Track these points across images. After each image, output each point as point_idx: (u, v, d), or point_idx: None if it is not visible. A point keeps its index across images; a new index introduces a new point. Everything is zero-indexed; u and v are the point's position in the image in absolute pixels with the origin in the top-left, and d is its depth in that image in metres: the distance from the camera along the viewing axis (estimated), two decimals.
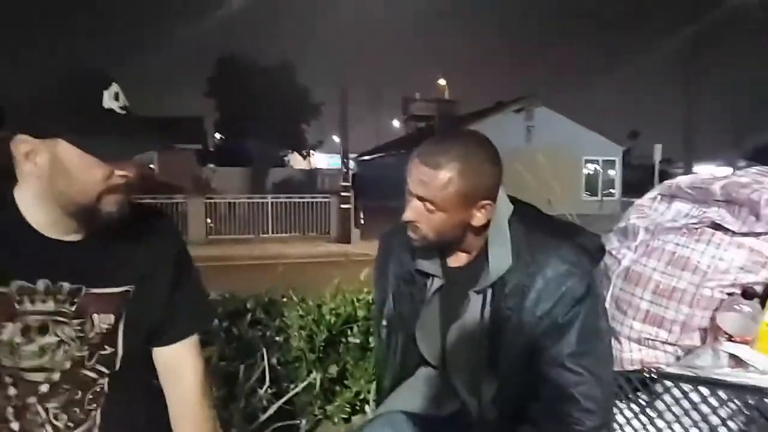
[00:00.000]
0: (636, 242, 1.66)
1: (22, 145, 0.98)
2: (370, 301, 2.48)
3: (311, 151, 33.21)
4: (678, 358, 1.58)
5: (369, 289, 2.56)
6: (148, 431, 1.20)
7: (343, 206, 14.15)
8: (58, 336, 1.04)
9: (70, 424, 1.05)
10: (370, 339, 2.33)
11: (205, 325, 1.44)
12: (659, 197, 1.73)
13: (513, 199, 1.34)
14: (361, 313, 2.40)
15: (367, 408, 2.29)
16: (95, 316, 1.08)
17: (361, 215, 15.10)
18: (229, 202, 15.25)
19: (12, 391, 1.01)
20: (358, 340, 2.27)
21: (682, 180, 1.67)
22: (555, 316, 1.22)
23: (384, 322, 1.50)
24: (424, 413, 1.43)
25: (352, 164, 17.08)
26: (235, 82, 26.38)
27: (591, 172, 24.02)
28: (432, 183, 1.20)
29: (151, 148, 1.09)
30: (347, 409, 2.28)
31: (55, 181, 0.99)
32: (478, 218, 1.25)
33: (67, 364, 1.05)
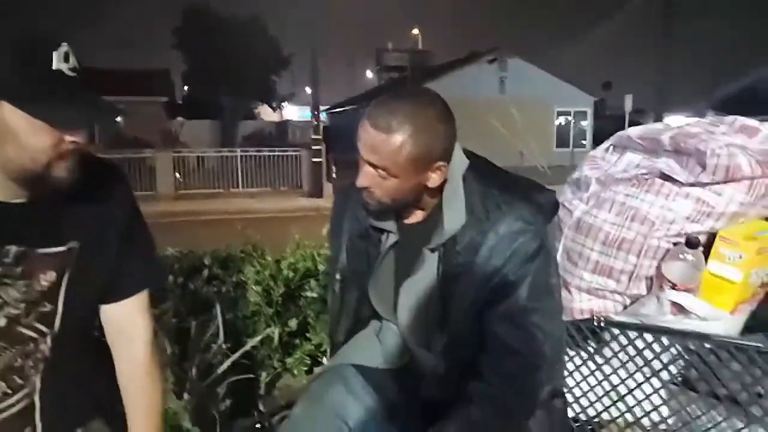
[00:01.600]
0: (588, 193, 1.66)
1: None
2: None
3: (282, 103, 32.51)
4: (625, 307, 1.61)
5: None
6: (92, 395, 1.18)
7: (314, 160, 14.01)
8: (2, 298, 1.01)
9: (9, 391, 1.03)
10: None
11: (156, 282, 1.40)
12: (612, 148, 1.73)
13: (469, 154, 1.31)
14: (321, 267, 2.40)
15: (326, 360, 2.31)
16: (40, 275, 1.04)
17: (334, 168, 14.99)
18: (198, 156, 15.00)
19: None
20: (316, 294, 2.27)
21: (633, 131, 1.66)
22: (506, 272, 1.21)
23: (338, 276, 1.48)
24: (374, 366, 1.44)
25: (323, 116, 16.78)
26: (203, 33, 25.41)
27: (563, 124, 24.11)
28: (383, 149, 1.15)
29: (103, 117, 1.05)
30: (308, 362, 2.30)
31: (2, 145, 0.94)
32: (434, 180, 1.21)
33: (2, 322, 1.02)
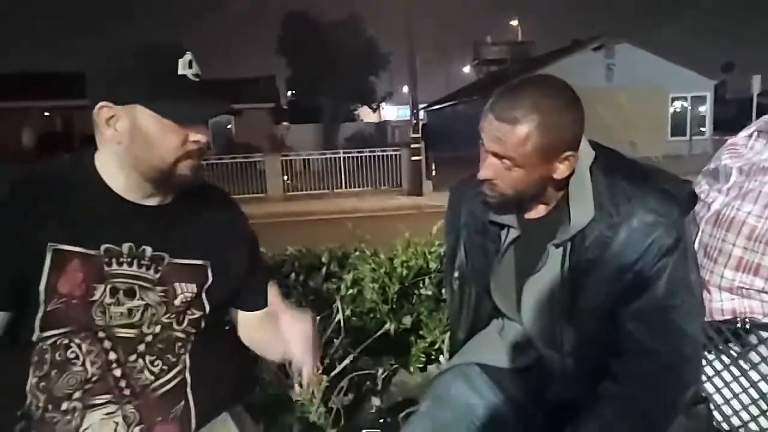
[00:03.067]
0: (728, 184, 1.52)
1: (104, 110, 1.04)
2: (442, 254, 2.47)
3: (381, 104, 33.02)
4: None
5: (441, 242, 2.55)
6: (233, 383, 1.29)
7: (413, 158, 14.08)
8: (144, 300, 1.11)
9: (165, 368, 1.14)
10: (443, 291, 2.33)
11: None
12: (756, 134, 1.57)
13: (594, 145, 1.25)
14: (432, 265, 2.40)
15: (441, 358, 2.31)
16: (177, 284, 1.14)
17: (433, 166, 14.98)
18: (304, 159, 15.59)
19: (108, 344, 1.09)
20: (430, 292, 2.27)
21: None
22: (640, 268, 1.14)
23: (456, 274, 1.48)
24: (499, 365, 1.42)
25: (421, 114, 16.82)
26: (304, 38, 26.41)
27: (678, 110, 22.41)
28: (509, 139, 1.12)
29: (223, 111, 1.15)
30: (422, 359, 2.32)
31: (134, 145, 1.05)
32: (561, 171, 1.17)
33: (157, 328, 1.13)
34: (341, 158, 15.09)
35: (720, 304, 1.53)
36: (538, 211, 1.29)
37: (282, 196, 14.23)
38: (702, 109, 22.70)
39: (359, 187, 14.87)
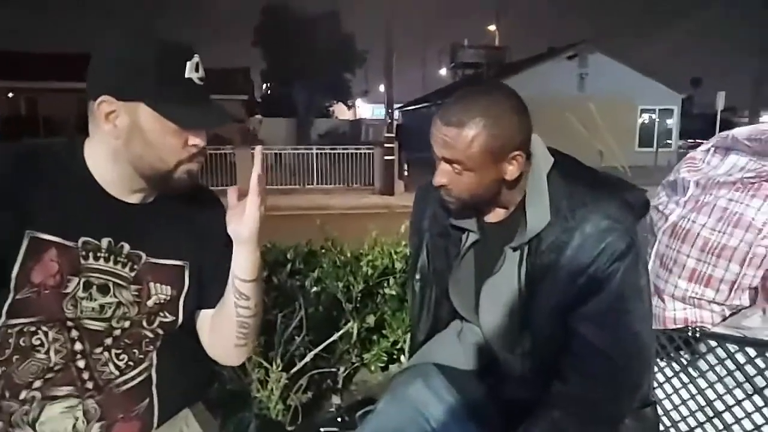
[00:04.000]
0: (685, 197, 1.57)
1: (105, 104, 1.02)
2: (408, 254, 2.48)
3: (356, 101, 32.97)
4: (724, 318, 1.52)
5: (407, 242, 2.56)
6: (196, 380, 1.26)
7: (387, 157, 14.09)
8: (117, 298, 1.08)
9: (131, 363, 1.11)
10: (408, 291, 2.35)
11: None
12: (713, 149, 1.63)
13: (553, 152, 1.28)
14: (398, 265, 2.41)
15: (403, 357, 2.32)
16: (152, 284, 1.12)
17: (405, 167, 15.03)
18: (276, 153, 15.43)
19: (75, 334, 1.06)
20: (394, 292, 2.28)
21: (739, 131, 1.55)
22: (593, 272, 1.17)
23: (417, 276, 1.49)
24: (456, 366, 1.44)
25: (396, 114, 16.87)
26: (281, 32, 26.17)
27: (646, 122, 22.96)
28: (456, 143, 1.15)
29: (227, 122, 1.13)
30: (384, 358, 2.33)
31: (132, 143, 1.03)
32: (511, 171, 1.19)
33: (127, 324, 1.10)
34: (314, 154, 15.00)
35: (673, 313, 1.58)
36: (497, 215, 1.31)
37: None
38: (669, 121, 23.29)
39: (331, 184, 14.81)
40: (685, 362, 1.59)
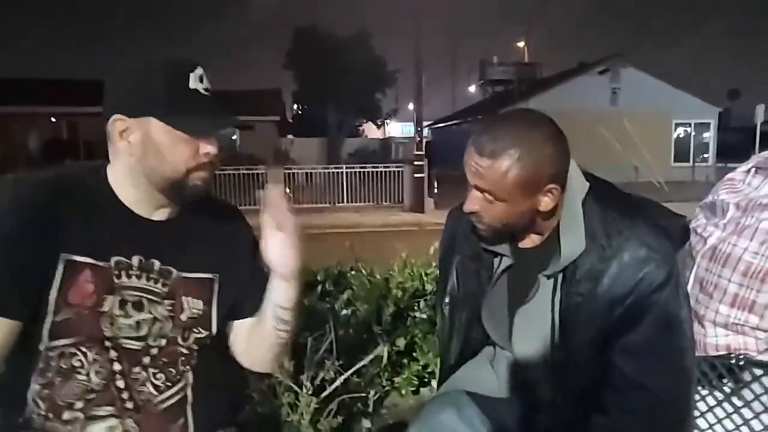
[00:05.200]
0: (725, 219, 1.52)
1: (118, 122, 1.07)
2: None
3: (386, 120, 33.19)
4: None
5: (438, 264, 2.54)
6: (230, 403, 1.29)
7: (416, 175, 14.10)
8: (152, 314, 1.11)
9: (168, 383, 1.14)
10: None
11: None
12: (754, 170, 1.57)
13: (590, 177, 1.25)
14: (429, 287, 2.39)
15: (434, 381, 2.29)
16: (184, 298, 1.15)
17: (435, 184, 15.01)
18: (307, 172, 15.62)
19: (113, 354, 1.09)
20: (425, 315, 2.26)
21: None
22: (631, 303, 1.14)
23: (447, 299, 1.48)
24: (488, 394, 1.41)
25: (426, 132, 16.90)
26: (312, 53, 26.60)
27: (681, 136, 22.47)
28: (489, 174, 1.13)
29: (231, 124, 1.19)
30: (415, 382, 2.30)
31: (147, 157, 1.08)
32: (546, 203, 1.17)
33: (163, 342, 1.13)
34: (344, 173, 15.13)
35: (715, 340, 1.52)
36: (532, 241, 1.29)
37: None
38: (706, 135, 22.76)
39: (361, 202, 14.89)
40: (728, 391, 1.53)
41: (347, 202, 14.89)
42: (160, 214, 1.15)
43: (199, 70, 1.10)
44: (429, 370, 2.34)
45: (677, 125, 22.26)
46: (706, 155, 22.52)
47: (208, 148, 1.10)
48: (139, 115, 1.06)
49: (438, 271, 2.48)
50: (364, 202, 14.89)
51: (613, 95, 21.06)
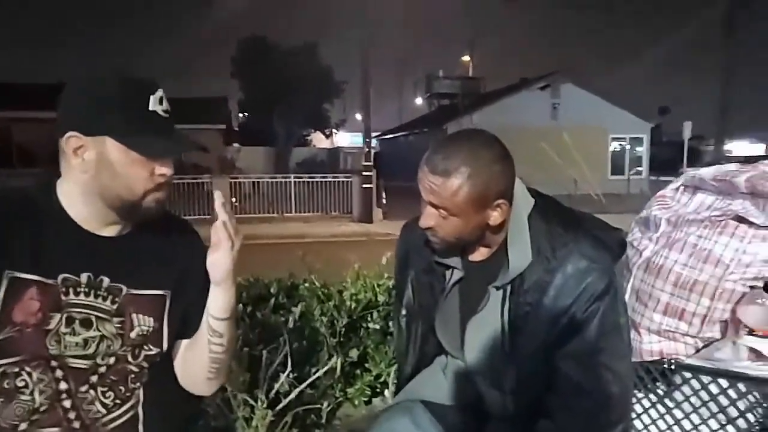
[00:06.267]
0: (657, 233, 1.64)
1: (72, 139, 1.05)
2: (391, 287, 2.50)
3: (334, 130, 33.18)
4: (697, 350, 1.57)
5: (390, 275, 2.59)
6: (183, 402, 1.27)
7: (365, 186, 14.16)
8: (100, 331, 1.10)
9: (118, 401, 1.12)
10: (390, 324, 2.36)
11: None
12: (682, 188, 1.71)
13: (534, 193, 1.33)
14: (381, 298, 2.43)
15: (386, 391, 2.33)
16: (134, 315, 1.13)
17: (383, 195, 15.10)
18: (253, 182, 15.40)
19: (59, 374, 1.06)
20: (378, 326, 2.30)
21: (706, 172, 1.64)
22: (574, 312, 1.22)
23: (403, 311, 1.52)
24: (441, 402, 1.46)
25: (374, 143, 17.00)
26: (259, 62, 26.32)
27: (617, 150, 23.55)
28: (442, 191, 1.20)
29: (190, 148, 1.18)
30: (367, 392, 2.33)
31: (101, 175, 1.06)
32: (495, 218, 1.24)
33: (112, 360, 1.11)
34: (292, 182, 15.02)
35: (649, 346, 1.63)
36: (481, 254, 1.35)
37: None
38: (639, 149, 23.91)
39: (309, 212, 14.81)
40: (662, 393, 1.64)
41: (295, 212, 14.77)
42: (111, 231, 1.14)
43: (160, 92, 1.09)
44: (381, 380, 2.37)
45: (613, 139, 23.29)
46: (639, 168, 23.65)
47: (164, 170, 1.10)
48: (96, 134, 1.05)
49: (391, 283, 2.54)
50: (313, 212, 14.82)
51: (553, 110, 21.84)
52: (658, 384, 1.65)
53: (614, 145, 23.47)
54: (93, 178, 1.07)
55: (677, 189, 1.72)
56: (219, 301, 1.17)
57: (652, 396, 1.66)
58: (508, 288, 1.28)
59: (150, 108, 1.08)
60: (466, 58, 35.89)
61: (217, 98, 25.58)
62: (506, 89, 24.91)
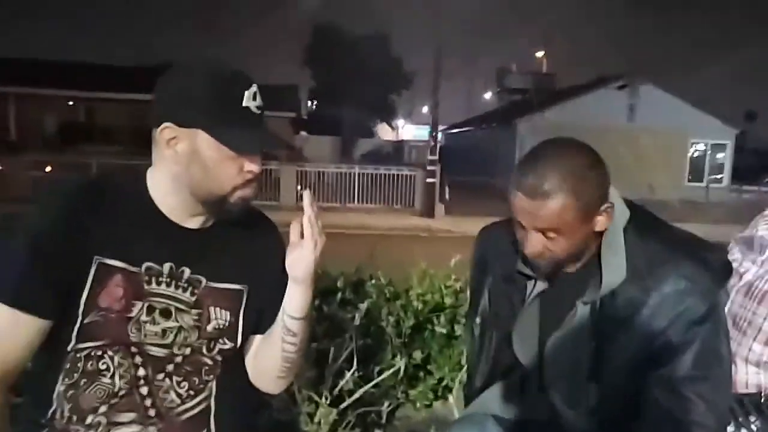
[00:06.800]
0: (763, 257, 1.49)
1: (167, 131, 1.06)
2: (458, 289, 2.44)
3: (400, 122, 33.21)
4: None
5: (457, 277, 2.53)
6: (249, 396, 1.27)
7: (429, 180, 14.08)
8: (178, 322, 1.11)
9: (192, 392, 1.13)
10: (456, 327, 2.31)
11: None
12: None
13: (629, 204, 1.25)
14: (448, 300, 2.37)
15: (449, 395, 2.28)
16: (211, 308, 1.14)
17: (447, 190, 14.97)
18: (319, 171, 15.62)
19: (138, 360, 1.08)
20: (444, 330, 2.24)
21: None
22: (670, 335, 1.14)
23: (477, 320, 1.46)
24: (514, 418, 1.40)
25: (439, 137, 16.84)
26: (331, 51, 26.66)
27: (697, 156, 22.32)
28: (546, 214, 1.12)
29: (279, 146, 1.18)
30: (430, 396, 2.28)
31: (191, 168, 1.07)
32: (602, 222, 1.17)
33: (188, 351, 1.12)
34: (356, 173, 15.12)
35: (745, 377, 1.50)
36: (569, 265, 1.27)
37: (295, 206, 14.23)
38: (720, 156, 22.59)
39: (372, 203, 14.88)
40: (755, 429, 1.51)
41: (359, 203, 14.88)
42: (194, 222, 1.15)
43: (254, 87, 1.09)
44: (444, 384, 2.32)
45: (693, 145, 22.09)
46: (719, 176, 22.35)
47: (253, 167, 1.10)
48: (190, 126, 1.06)
49: (458, 285, 2.48)
50: (376, 203, 14.88)
51: (630, 111, 20.92)
52: (751, 419, 1.51)
53: (694, 151, 22.24)
54: (184, 170, 1.08)
55: None
56: (296, 301, 1.16)
57: (744, 431, 1.53)
58: (597, 304, 1.20)
59: (243, 104, 1.07)
60: (540, 53, 34.95)
61: (288, 86, 26.10)
62: (582, 87, 24.06)
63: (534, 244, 1.17)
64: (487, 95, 35.61)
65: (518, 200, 1.14)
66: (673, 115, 20.53)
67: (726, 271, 1.21)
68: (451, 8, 16.91)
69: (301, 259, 1.13)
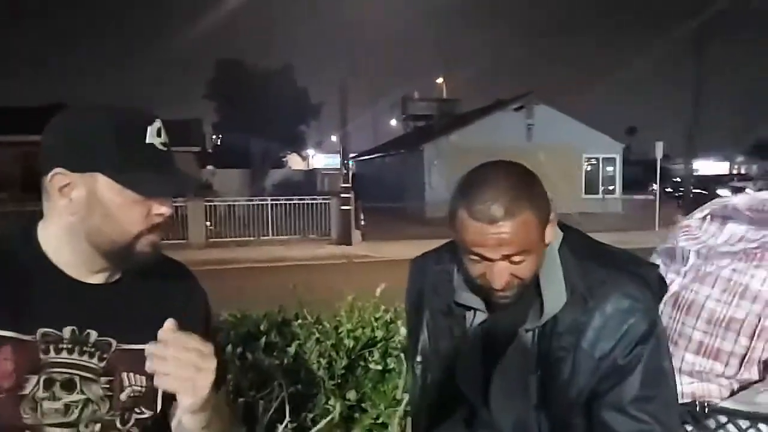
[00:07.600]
0: (686, 267, 1.54)
1: (58, 177, 0.92)
2: (389, 320, 2.37)
3: (310, 152, 33.18)
4: (733, 393, 1.47)
5: (386, 308, 2.46)
6: None
7: (343, 207, 14.05)
8: (85, 394, 0.95)
9: None
10: (389, 360, 2.23)
11: (225, 379, 1.29)
12: (709, 218, 1.61)
13: (561, 225, 1.23)
14: (379, 334, 2.29)
15: None
16: (125, 374, 0.99)
17: (361, 216, 15.01)
18: (229, 205, 15.15)
19: None
20: (380, 367, 2.15)
21: (738, 201, 1.55)
22: (616, 357, 1.12)
23: (419, 358, 1.39)
24: None
25: (351, 164, 16.94)
26: (234, 84, 26.24)
27: (590, 170, 23.95)
28: (515, 233, 1.05)
29: (191, 185, 1.07)
30: None
31: (90, 217, 0.94)
32: (549, 234, 1.13)
33: (97, 427, 0.97)
34: (269, 205, 14.80)
35: (680, 387, 1.52)
36: None
37: (204, 243, 13.66)
38: (610, 169, 24.36)
39: (287, 234, 14.59)
40: None
41: (273, 234, 14.53)
42: (98, 278, 1.00)
43: (158, 123, 0.98)
44: (380, 421, 2.22)
45: (587, 159, 23.69)
46: (612, 187, 24.07)
47: (163, 209, 0.97)
48: (85, 170, 0.93)
49: (387, 316, 2.41)
50: (290, 234, 14.61)
51: (528, 131, 22.13)
52: (688, 428, 1.53)
53: (588, 165, 23.86)
54: (81, 220, 0.94)
55: (703, 219, 1.62)
56: (197, 422, 0.97)
57: None
58: (540, 330, 1.16)
59: (147, 140, 0.95)
60: (440, 80, 36.35)
61: (191, 120, 25.29)
62: (481, 110, 25.22)
63: (502, 274, 1.10)
64: (393, 122, 36.42)
65: (479, 231, 1.06)
66: (567, 133, 21.98)
67: (662, 285, 1.22)
68: (353, 39, 17.20)
69: (191, 380, 0.90)
